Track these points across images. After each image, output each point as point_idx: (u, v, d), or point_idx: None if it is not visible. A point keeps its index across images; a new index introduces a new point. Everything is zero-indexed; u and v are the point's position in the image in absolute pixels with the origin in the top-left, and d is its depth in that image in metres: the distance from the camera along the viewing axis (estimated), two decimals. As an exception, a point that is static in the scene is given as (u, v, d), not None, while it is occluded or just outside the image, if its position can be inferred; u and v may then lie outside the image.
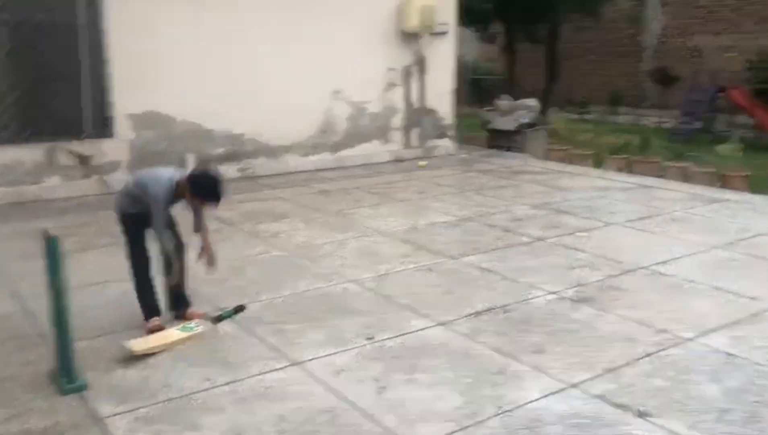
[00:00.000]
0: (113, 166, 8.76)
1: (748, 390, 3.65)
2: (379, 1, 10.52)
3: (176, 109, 9.06)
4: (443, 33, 11.12)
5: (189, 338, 4.27)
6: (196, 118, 9.24)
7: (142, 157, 8.87)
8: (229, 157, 9.61)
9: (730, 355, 4.07)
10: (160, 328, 4.35)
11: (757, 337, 4.31)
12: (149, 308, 4.49)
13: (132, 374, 3.86)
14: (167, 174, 4.32)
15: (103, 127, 8.57)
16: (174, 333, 4.28)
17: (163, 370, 3.91)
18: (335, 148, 10.59)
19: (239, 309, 4.61)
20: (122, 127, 8.74)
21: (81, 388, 3.64)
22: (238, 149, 9.72)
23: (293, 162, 10.21)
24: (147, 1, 8.59)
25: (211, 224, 6.95)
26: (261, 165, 9.97)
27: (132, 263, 4.53)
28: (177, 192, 4.26)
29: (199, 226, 4.59)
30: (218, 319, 4.51)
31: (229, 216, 7.18)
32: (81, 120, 8.39)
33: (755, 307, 4.82)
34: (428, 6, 10.54)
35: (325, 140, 10.49)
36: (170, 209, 4.40)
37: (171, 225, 4.46)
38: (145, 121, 8.89)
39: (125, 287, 5.23)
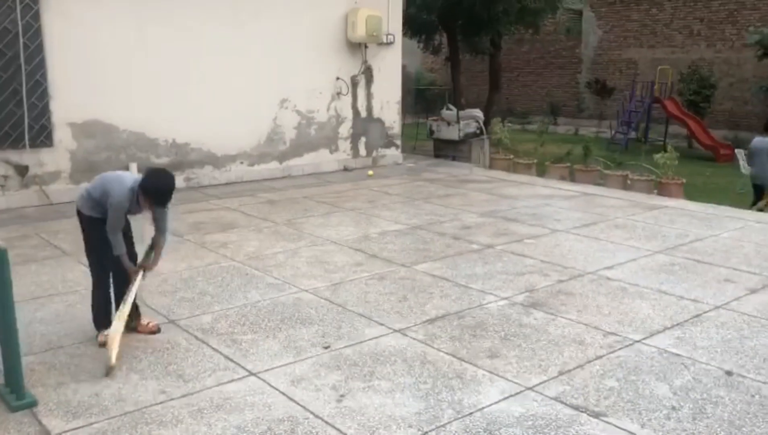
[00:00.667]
0: (53, 177, 8.51)
1: (693, 388, 3.80)
2: (327, 11, 10.55)
3: (119, 118, 8.88)
4: (390, 43, 11.22)
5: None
6: (140, 127, 9.07)
7: (83, 166, 8.66)
8: (174, 167, 9.41)
9: (676, 354, 4.22)
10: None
11: (700, 338, 4.49)
12: (102, 320, 4.35)
13: (84, 389, 3.75)
14: (131, 179, 4.21)
15: (42, 137, 8.31)
16: (118, 326, 4.13)
17: (115, 384, 3.81)
18: (282, 157, 10.55)
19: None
20: (63, 136, 8.50)
21: (30, 405, 3.52)
22: (183, 159, 9.57)
23: (240, 171, 10.12)
24: (88, 9, 8.41)
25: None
26: (206, 175, 9.84)
27: (91, 271, 4.40)
28: (139, 201, 4.18)
29: (156, 237, 4.44)
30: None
31: (176, 227, 7.04)
32: (19, 129, 8.11)
33: (697, 308, 5.02)
34: (374, 17, 10.62)
35: (273, 149, 10.43)
36: (128, 215, 4.27)
37: (125, 230, 4.33)
38: (86, 130, 8.67)
39: (70, 300, 5.14)
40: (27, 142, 8.21)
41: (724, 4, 20.47)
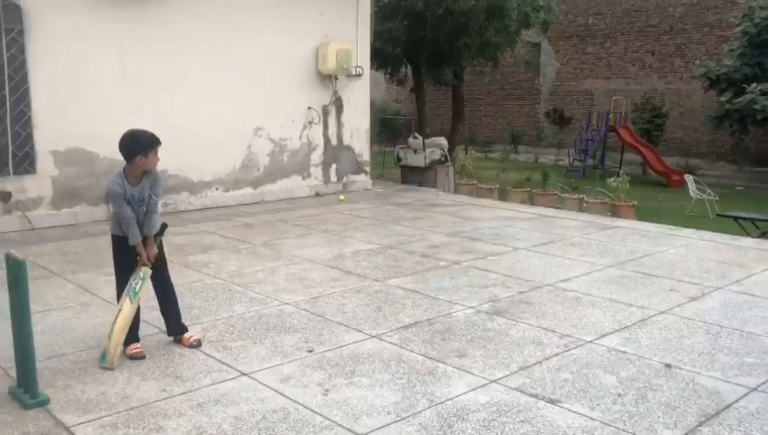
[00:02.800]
0: (36, 203, 8.80)
1: (637, 378, 4.31)
2: (298, 44, 11.09)
3: (100, 145, 9.20)
4: (359, 75, 11.79)
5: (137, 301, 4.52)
6: (118, 155, 9.35)
7: (65, 193, 8.97)
8: (152, 193, 9.79)
9: (623, 352, 4.74)
10: (141, 354, 4.56)
11: (644, 338, 5.02)
12: (131, 335, 4.61)
13: (90, 389, 4.10)
14: (118, 170, 4.50)
15: (25, 164, 8.61)
16: (123, 318, 4.44)
17: (119, 384, 4.17)
18: (256, 183, 10.97)
19: (163, 227, 4.74)
20: (45, 163, 8.81)
21: (43, 402, 3.86)
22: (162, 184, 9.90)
23: (215, 197, 10.50)
24: (71, 38, 8.79)
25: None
26: (183, 200, 10.20)
27: (117, 292, 4.69)
28: (130, 174, 4.44)
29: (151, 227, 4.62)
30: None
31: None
32: (3, 156, 8.41)
33: (643, 314, 5.56)
34: (344, 50, 11.19)
35: (247, 176, 10.85)
36: (135, 206, 4.48)
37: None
38: (68, 157, 9.00)
39: (66, 315, 5.48)
40: (11, 169, 8.51)
41: (672, 38, 21.64)
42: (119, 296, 4.65)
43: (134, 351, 4.59)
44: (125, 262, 4.64)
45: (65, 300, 5.85)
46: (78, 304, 5.73)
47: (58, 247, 7.82)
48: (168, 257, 7.23)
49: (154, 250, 4.69)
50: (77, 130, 8.95)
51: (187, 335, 4.87)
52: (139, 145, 4.42)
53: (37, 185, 8.78)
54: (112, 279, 6.30)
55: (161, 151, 4.57)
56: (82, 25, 8.89)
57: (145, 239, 4.61)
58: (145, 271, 4.64)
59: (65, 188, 9.00)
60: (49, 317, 5.39)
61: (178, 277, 6.51)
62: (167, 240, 7.34)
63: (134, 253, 4.59)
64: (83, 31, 8.91)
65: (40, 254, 7.46)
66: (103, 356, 4.44)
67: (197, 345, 4.81)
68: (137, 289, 4.58)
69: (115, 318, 4.49)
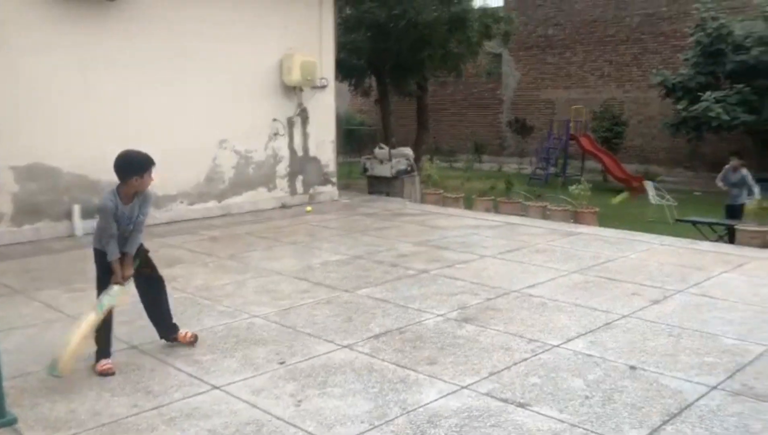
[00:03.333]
0: (-4, 219, 8.64)
1: (603, 380, 4.42)
2: (263, 56, 11.10)
3: (62, 160, 9.10)
4: (323, 86, 11.84)
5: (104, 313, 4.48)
6: (82, 169, 9.30)
7: (26, 209, 8.82)
8: (116, 208, 9.68)
9: (589, 355, 4.85)
10: (110, 371, 4.52)
11: (609, 341, 5.14)
12: (102, 351, 4.59)
13: (59, 407, 4.05)
14: (111, 188, 4.54)
15: (-15, 180, 8.47)
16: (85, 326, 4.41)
17: (89, 401, 4.13)
18: (222, 196, 10.92)
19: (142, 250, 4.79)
20: (5, 179, 8.66)
21: (11, 422, 3.80)
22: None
23: (180, 210, 10.42)
24: (32, 53, 8.69)
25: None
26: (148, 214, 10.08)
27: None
28: (123, 193, 4.49)
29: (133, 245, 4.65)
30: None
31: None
32: (-38, 172, 8.27)
33: (607, 318, 5.69)
34: (309, 62, 11.23)
35: (212, 189, 10.80)
36: (121, 225, 4.51)
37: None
38: (29, 173, 8.86)
39: (30, 332, 5.41)
40: (-30, 186, 8.36)
41: (629, 48, 22.17)
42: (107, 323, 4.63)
43: (104, 367, 4.54)
44: (107, 277, 4.61)
45: (29, 318, 5.76)
46: (43, 322, 5.65)
47: (21, 265, 7.69)
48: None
49: (130, 271, 4.69)
50: (39, 146, 8.84)
51: (182, 332, 5.02)
52: (135, 166, 4.47)
53: (-3, 201, 8.63)
54: (78, 295, 6.31)
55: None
56: (43, 39, 8.79)
57: (124, 257, 4.62)
58: (117, 290, 4.59)
59: (26, 204, 8.85)
60: (13, 336, 5.30)
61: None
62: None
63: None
64: (45, 46, 8.80)
65: (2, 272, 7.33)
66: (52, 366, 4.31)
67: (193, 340, 4.99)
68: (104, 304, 4.53)
69: (78, 328, 4.43)
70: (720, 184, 11.80)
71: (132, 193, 4.54)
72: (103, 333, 4.57)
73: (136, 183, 4.49)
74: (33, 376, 4.51)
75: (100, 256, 4.63)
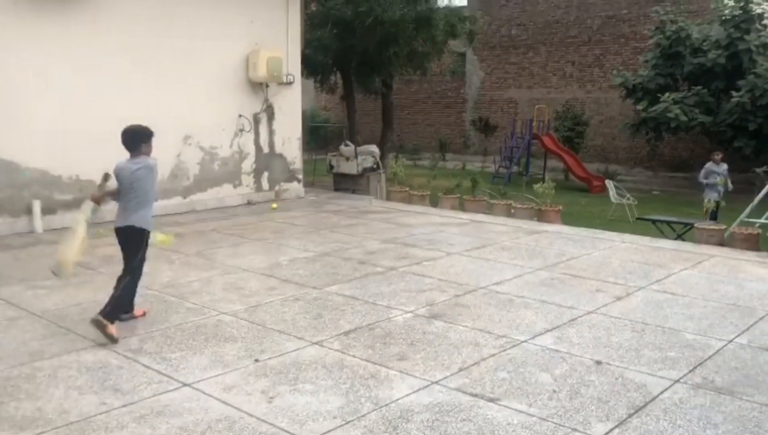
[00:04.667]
0: (-48, 215, 8.41)
1: (570, 375, 4.51)
2: (228, 52, 11.00)
3: (21, 155, 8.89)
4: (290, 83, 11.79)
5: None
6: (43, 164, 9.11)
7: (-16, 204, 8.61)
8: (77, 204, 9.46)
9: (555, 350, 4.95)
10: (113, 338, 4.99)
11: (575, 336, 5.25)
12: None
13: (25, 405, 3.98)
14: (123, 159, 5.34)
15: (-59, 174, 8.23)
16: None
17: (56, 399, 4.07)
18: (186, 192, 10.80)
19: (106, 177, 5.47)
20: (-37, 173, 8.45)
21: (-24, 421, 3.74)
22: (86, 195, 9.60)
23: (144, 207, 10.25)
24: (-10, 46, 8.48)
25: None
26: (110, 210, 9.82)
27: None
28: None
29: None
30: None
31: (88, 260, 7.19)
32: None
33: (572, 314, 5.81)
34: (275, 58, 11.17)
35: (176, 185, 10.67)
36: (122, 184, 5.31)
37: None
38: (-13, 167, 8.65)
39: (-7, 330, 5.27)
40: (-75, 180, 8.11)
41: (591, 49, 22.53)
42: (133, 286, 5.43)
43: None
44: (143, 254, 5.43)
45: (-9, 315, 5.63)
46: (5, 320, 5.53)
47: (-20, 261, 7.50)
48: (97, 268, 7.11)
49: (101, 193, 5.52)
50: (-3, 139, 8.62)
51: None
52: (142, 136, 5.31)
53: (-46, 197, 8.40)
54: (41, 292, 6.23)
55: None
56: (4, 33, 8.57)
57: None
58: (89, 205, 5.51)
59: (-16, 199, 8.63)
60: (-25, 333, 5.18)
61: (109, 289, 6.36)
62: (96, 250, 7.15)
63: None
64: (4, 38, 8.58)
65: None
66: (59, 268, 5.22)
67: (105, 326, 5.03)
68: (88, 215, 5.47)
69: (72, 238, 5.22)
70: (703, 181, 12.42)
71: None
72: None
73: (145, 150, 5.28)
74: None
75: (142, 235, 5.42)
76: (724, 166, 12.51)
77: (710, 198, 10.99)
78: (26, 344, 4.96)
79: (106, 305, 5.09)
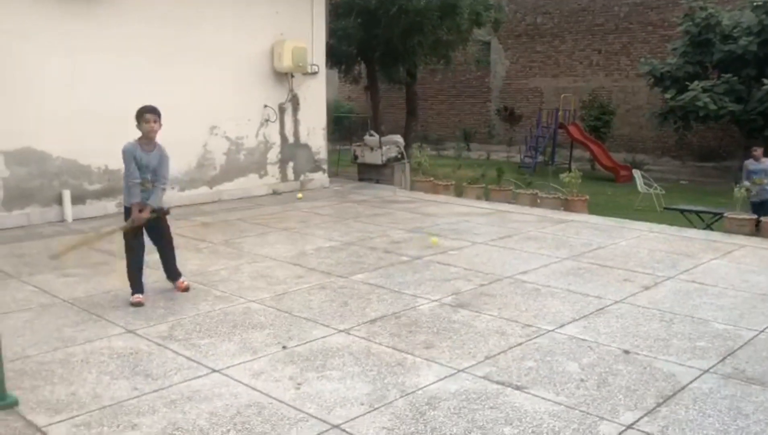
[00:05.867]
0: (-14, 204, 8.58)
1: (598, 364, 4.49)
2: (254, 42, 11.05)
3: (52, 145, 9.04)
4: (314, 73, 11.81)
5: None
6: (72, 154, 9.25)
7: (15, 194, 8.76)
8: (106, 193, 9.65)
9: (582, 340, 4.92)
10: (140, 303, 5.56)
11: (602, 326, 5.22)
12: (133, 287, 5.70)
13: (59, 389, 4.06)
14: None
15: (-26, 164, 8.40)
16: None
17: (88, 384, 4.15)
18: (213, 182, 10.89)
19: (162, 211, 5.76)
20: (-5, 163, 8.60)
21: (12, 404, 3.82)
22: (116, 184, 9.72)
23: (171, 196, 10.34)
24: (19, 38, 8.59)
25: (97, 256, 7.15)
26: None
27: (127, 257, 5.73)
28: (142, 142, 5.59)
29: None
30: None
31: (115, 249, 7.28)
32: (-49, 157, 8.19)
33: (599, 303, 5.77)
34: (300, 48, 11.19)
35: (203, 175, 10.77)
36: (143, 164, 5.55)
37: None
38: (18, 157, 8.79)
39: (26, 316, 5.40)
40: (-41, 170, 8.28)
41: (618, 37, 22.24)
42: (129, 264, 5.69)
43: (135, 300, 5.60)
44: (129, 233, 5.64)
45: (24, 302, 5.75)
46: (38, 306, 5.64)
47: (12, 249, 7.65)
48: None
49: (144, 216, 5.55)
50: (27, 130, 8.77)
51: (181, 280, 6.05)
52: (136, 115, 5.57)
53: (-14, 186, 8.56)
54: (72, 280, 6.33)
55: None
56: (30, 24, 8.69)
57: (144, 206, 5.57)
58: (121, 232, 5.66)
59: (16, 189, 8.79)
60: (9, 320, 5.28)
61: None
62: (123, 240, 7.21)
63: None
64: (32, 31, 8.71)
65: None
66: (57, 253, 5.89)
67: (186, 289, 5.91)
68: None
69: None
70: (746, 183, 10.51)
71: (146, 141, 5.58)
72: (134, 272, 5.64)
73: (140, 128, 5.51)
74: (32, 360, 4.52)
75: (127, 213, 5.64)
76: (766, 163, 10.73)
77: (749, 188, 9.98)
78: (59, 330, 5.05)
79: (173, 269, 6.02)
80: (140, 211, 5.59)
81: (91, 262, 6.91)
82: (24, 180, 8.86)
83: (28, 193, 8.92)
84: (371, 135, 13.91)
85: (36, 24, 8.73)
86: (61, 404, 3.88)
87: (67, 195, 9.18)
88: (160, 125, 5.69)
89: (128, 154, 5.52)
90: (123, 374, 4.29)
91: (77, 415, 3.75)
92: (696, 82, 17.02)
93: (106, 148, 9.39)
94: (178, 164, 10.33)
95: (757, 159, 10.78)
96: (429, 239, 8.00)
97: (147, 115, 5.55)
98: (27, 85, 8.69)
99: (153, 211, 5.68)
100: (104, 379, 4.23)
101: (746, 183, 10.44)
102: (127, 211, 5.68)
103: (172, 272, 6.05)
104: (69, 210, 9.16)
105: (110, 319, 5.32)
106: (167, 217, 6.02)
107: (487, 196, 11.54)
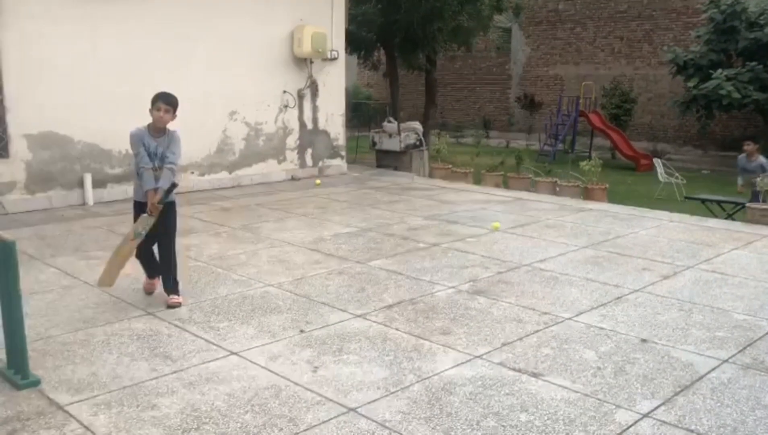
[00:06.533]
0: (9, 187, 8.68)
1: (615, 353, 4.47)
2: (274, 27, 11.05)
3: (74, 129, 9.12)
4: (334, 59, 11.80)
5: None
6: (94, 138, 9.33)
7: (38, 177, 8.87)
8: (127, 177, 9.71)
9: (600, 328, 4.91)
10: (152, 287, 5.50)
11: (620, 315, 5.19)
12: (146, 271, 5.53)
13: (80, 370, 4.13)
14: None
15: (-2, 148, 8.51)
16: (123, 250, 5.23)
17: (109, 365, 4.21)
18: (232, 167, 10.95)
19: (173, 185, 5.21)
20: (18, 147, 8.69)
21: (35, 383, 3.89)
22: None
23: (191, 181, 10.44)
24: (44, 25, 8.66)
25: (119, 240, 7.23)
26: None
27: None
28: (151, 128, 5.23)
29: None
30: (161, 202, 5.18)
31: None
32: (-24, 140, 8.30)
33: (618, 292, 5.74)
34: (319, 33, 11.18)
35: (222, 160, 10.83)
36: (150, 151, 5.18)
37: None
38: (42, 141, 8.89)
39: (49, 298, 5.48)
40: (-16, 153, 8.39)
41: (640, 24, 21.96)
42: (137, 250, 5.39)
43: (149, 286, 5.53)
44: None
45: (47, 284, 5.84)
46: (60, 288, 5.73)
47: (35, 232, 7.76)
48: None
49: (156, 198, 5.11)
50: (51, 114, 8.85)
51: (174, 297, 5.34)
52: (152, 99, 5.23)
53: (10, 170, 8.66)
54: (93, 263, 6.42)
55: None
56: (55, 7, 8.76)
57: (155, 190, 5.15)
58: (146, 217, 5.14)
59: (39, 173, 8.90)
60: (32, 300, 5.36)
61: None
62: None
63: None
64: (57, 14, 8.77)
65: (17, 239, 7.21)
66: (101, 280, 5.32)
67: (175, 306, 5.25)
68: (140, 231, 5.16)
69: (117, 249, 5.25)
70: (740, 180, 10.70)
71: (156, 126, 5.22)
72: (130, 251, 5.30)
73: (152, 115, 5.20)
74: (54, 340, 4.59)
75: (138, 208, 5.31)
76: (760, 161, 10.47)
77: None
78: (80, 311, 5.13)
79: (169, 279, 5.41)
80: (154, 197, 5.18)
81: (112, 244, 6.98)
82: (47, 163, 8.96)
83: (51, 177, 9.03)
84: (390, 121, 13.89)
85: (60, 7, 8.79)
86: (83, 384, 3.94)
87: (88, 178, 9.28)
88: (173, 116, 5.24)
89: (136, 139, 5.15)
90: (142, 355, 4.35)
91: (98, 395, 3.81)
92: (720, 71, 16.78)
93: (127, 132, 9.48)
94: (198, 149, 10.47)
95: (749, 155, 10.67)
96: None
97: (159, 103, 5.15)
98: (49, 69, 8.76)
99: (166, 192, 5.24)
100: (124, 360, 4.29)
101: (740, 180, 10.53)
102: (137, 206, 5.32)
103: (166, 280, 5.39)
104: (90, 193, 9.26)
105: (130, 301, 5.39)
106: (176, 206, 5.50)
107: (505, 184, 11.50)
